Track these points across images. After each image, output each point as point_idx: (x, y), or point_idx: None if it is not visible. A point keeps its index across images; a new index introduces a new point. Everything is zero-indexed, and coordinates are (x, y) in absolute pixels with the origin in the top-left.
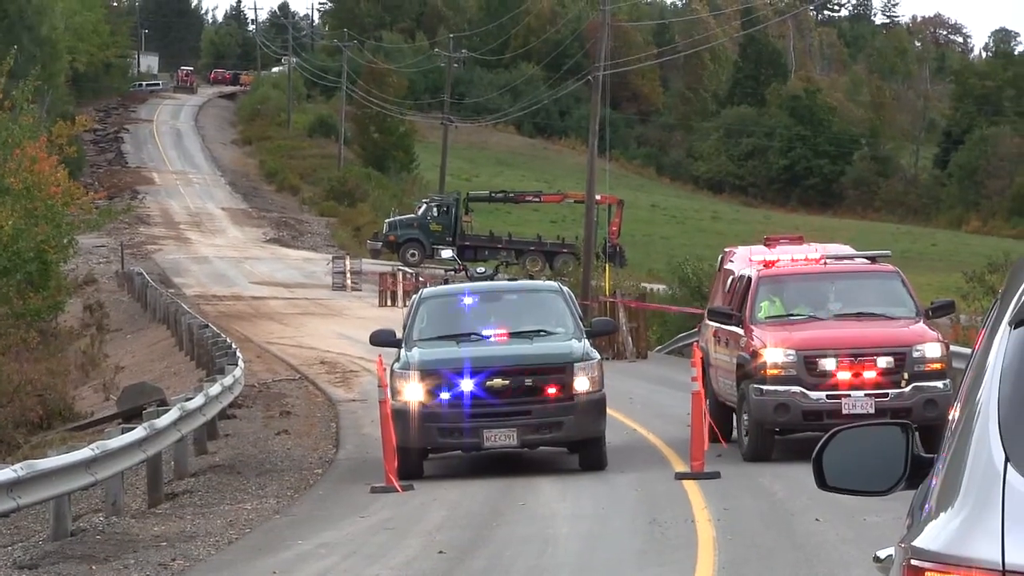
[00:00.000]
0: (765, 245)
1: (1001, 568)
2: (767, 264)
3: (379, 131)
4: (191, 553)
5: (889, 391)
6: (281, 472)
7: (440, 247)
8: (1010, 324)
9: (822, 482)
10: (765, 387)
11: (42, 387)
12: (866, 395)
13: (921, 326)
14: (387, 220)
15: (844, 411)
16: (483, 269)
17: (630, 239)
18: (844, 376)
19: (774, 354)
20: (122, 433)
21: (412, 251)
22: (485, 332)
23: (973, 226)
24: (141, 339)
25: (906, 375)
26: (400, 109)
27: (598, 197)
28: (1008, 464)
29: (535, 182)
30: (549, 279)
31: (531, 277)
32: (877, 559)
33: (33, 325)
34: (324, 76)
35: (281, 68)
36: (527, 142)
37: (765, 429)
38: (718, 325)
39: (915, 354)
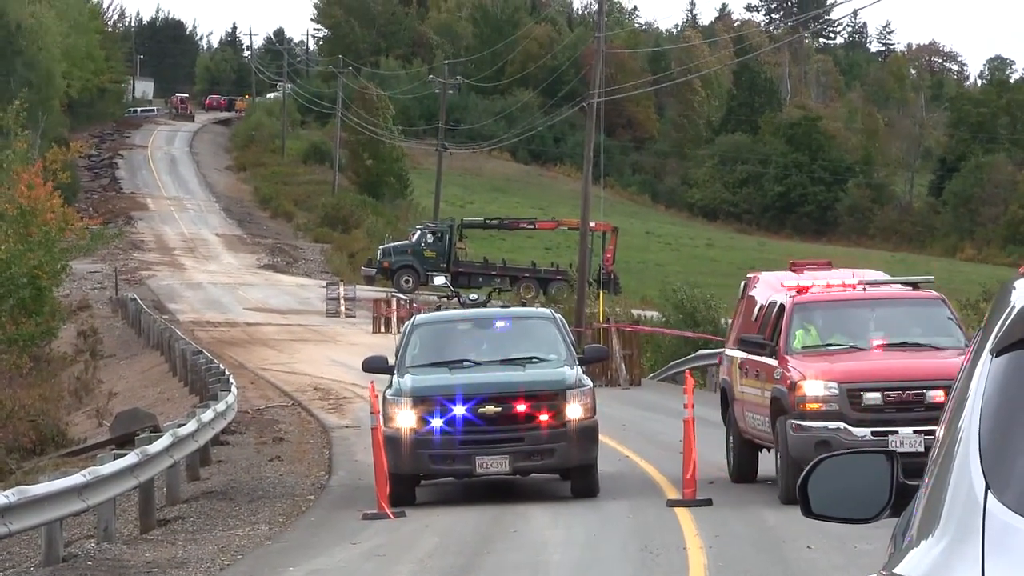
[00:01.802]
0: (791, 271)
1: None
2: (800, 290)
3: (372, 158)
4: None
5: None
6: (273, 498)
7: (434, 273)
8: (992, 352)
9: (807, 510)
10: (804, 423)
11: (35, 413)
12: (915, 432)
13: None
14: (381, 247)
15: (891, 448)
16: (476, 296)
17: (624, 266)
18: (891, 411)
19: (814, 387)
20: (114, 459)
21: (406, 277)
22: (478, 359)
23: (968, 254)
24: (135, 365)
25: None
26: (392, 135)
27: (592, 224)
28: (988, 492)
29: (530, 209)
30: (543, 306)
31: (524, 304)
32: None
33: (26, 350)
34: (319, 102)
35: (276, 94)
36: (522, 169)
37: (803, 469)
38: (746, 356)
39: None
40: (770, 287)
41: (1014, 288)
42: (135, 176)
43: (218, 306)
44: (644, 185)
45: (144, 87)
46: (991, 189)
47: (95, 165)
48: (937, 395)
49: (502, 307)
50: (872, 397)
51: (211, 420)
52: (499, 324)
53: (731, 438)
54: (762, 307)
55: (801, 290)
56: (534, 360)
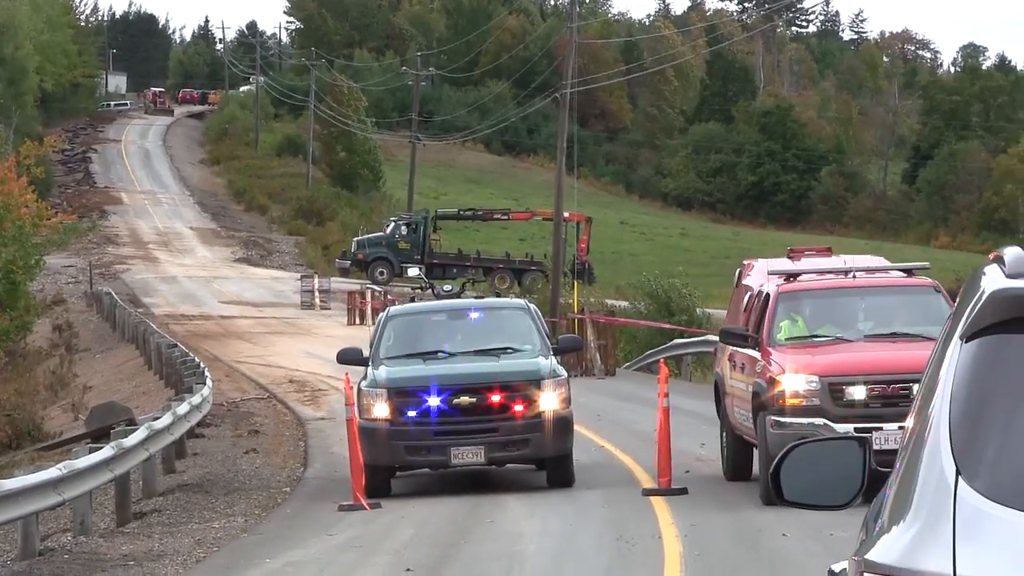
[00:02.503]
0: (788, 258)
1: None
2: (788, 278)
3: (346, 150)
4: (159, 572)
5: None
6: (249, 491)
7: (408, 265)
8: (961, 338)
9: (780, 496)
10: (783, 419)
11: (10, 407)
12: (900, 428)
13: None
14: (355, 239)
15: (875, 447)
16: (449, 287)
17: (599, 256)
18: (875, 406)
19: (794, 381)
20: (90, 453)
21: (380, 269)
22: (452, 350)
23: (942, 241)
24: (110, 359)
25: None
26: (365, 127)
27: (566, 214)
28: (959, 477)
29: (504, 200)
30: (518, 296)
31: (499, 295)
32: (832, 573)
33: (1, 345)
34: (292, 95)
35: (249, 87)
36: (495, 160)
37: None
38: (734, 348)
39: None
40: (764, 275)
41: (984, 274)
42: (109, 170)
43: (193, 299)
44: (618, 175)
45: (117, 81)
46: (965, 176)
47: (69, 160)
48: None
49: (476, 298)
50: (855, 391)
51: (186, 413)
52: (473, 315)
53: (723, 434)
54: (752, 296)
55: (788, 278)
56: (508, 351)
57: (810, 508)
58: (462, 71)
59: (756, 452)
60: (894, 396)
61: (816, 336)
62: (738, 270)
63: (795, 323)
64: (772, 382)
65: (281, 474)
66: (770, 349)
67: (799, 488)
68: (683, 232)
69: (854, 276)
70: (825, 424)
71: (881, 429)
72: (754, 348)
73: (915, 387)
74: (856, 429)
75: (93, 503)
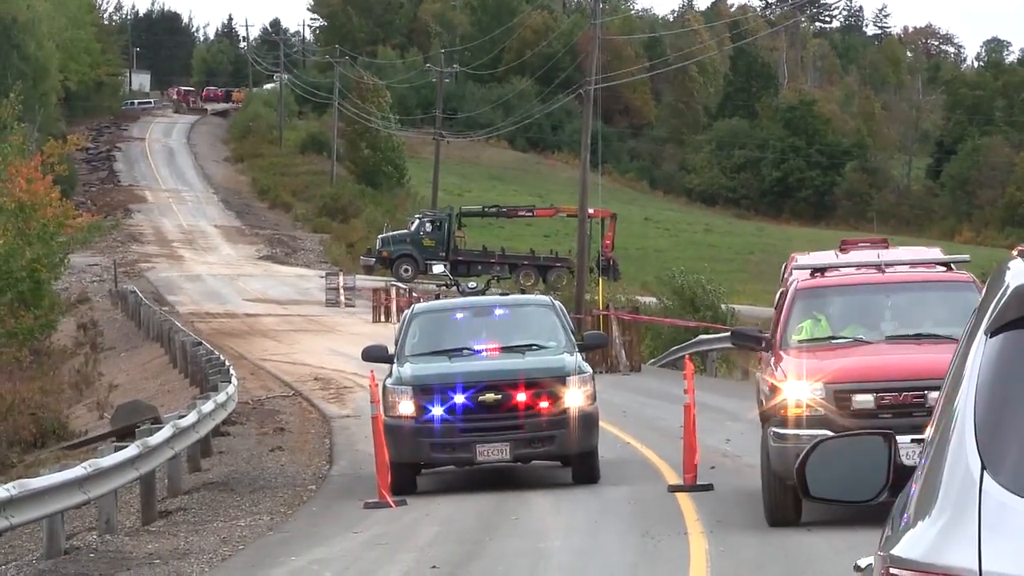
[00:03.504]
0: (841, 251)
1: (978, 575)
2: (812, 273)
3: (370, 147)
4: (184, 570)
5: None
6: (275, 489)
7: (433, 262)
8: (986, 333)
9: (806, 492)
10: (784, 431)
11: (35, 406)
12: (913, 440)
13: None
14: (380, 236)
15: None
16: (474, 284)
17: (623, 252)
18: (886, 416)
19: (796, 389)
20: (115, 451)
21: (405, 267)
22: (477, 347)
23: (966, 236)
24: (135, 357)
25: None
26: (389, 124)
27: (591, 211)
28: (984, 472)
29: (528, 196)
30: (543, 293)
31: (524, 291)
32: (858, 568)
33: (26, 344)
34: (316, 92)
35: (273, 85)
36: (519, 156)
37: (788, 486)
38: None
39: None
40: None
41: (1008, 268)
42: (133, 169)
43: (217, 297)
44: (642, 171)
45: (141, 80)
46: (988, 171)
47: (93, 158)
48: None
49: (501, 295)
50: (863, 400)
51: (212, 411)
52: (498, 312)
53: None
54: (781, 294)
55: (814, 273)
56: (534, 347)
57: (836, 504)
58: (486, 68)
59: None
60: (907, 405)
61: (836, 338)
62: (784, 264)
63: (818, 323)
64: (774, 390)
65: (306, 472)
66: (781, 352)
67: (825, 484)
68: (707, 228)
69: (883, 271)
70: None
71: None
72: (768, 351)
73: (932, 395)
74: None
75: (118, 502)
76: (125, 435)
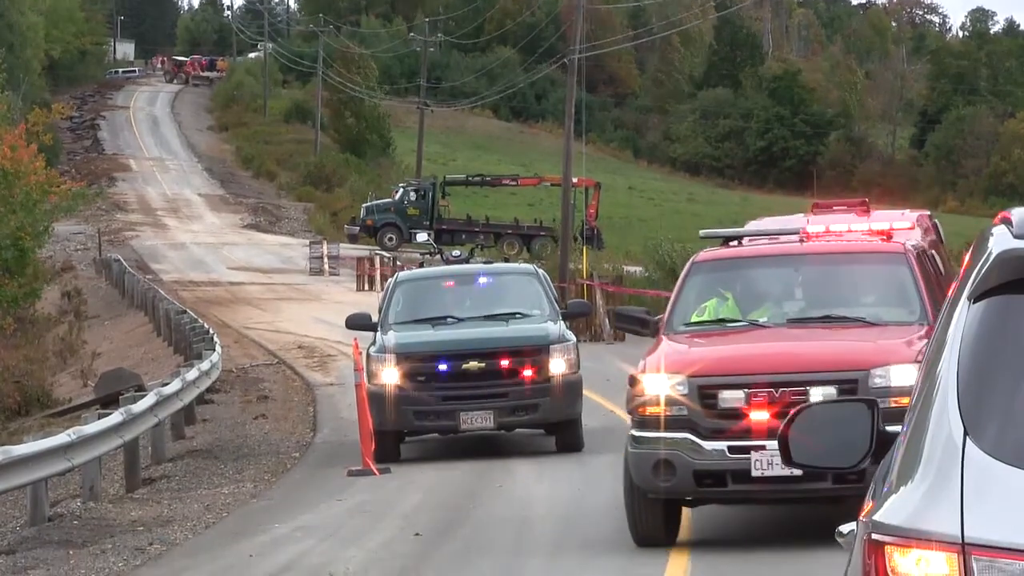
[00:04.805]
0: (812, 213)
1: (960, 541)
2: (724, 243)
3: (355, 116)
4: (168, 537)
5: None
6: (258, 456)
7: (417, 231)
8: (969, 298)
9: (788, 458)
10: (642, 434)
11: (20, 374)
12: None
13: (898, 340)
14: (364, 205)
15: (755, 472)
16: (458, 252)
17: (607, 222)
18: (759, 418)
19: (655, 383)
20: (99, 419)
21: (389, 235)
22: (461, 315)
23: (950, 206)
24: (119, 325)
25: None
26: (374, 94)
27: (575, 180)
28: (967, 437)
29: (512, 166)
30: (527, 262)
31: (507, 260)
32: (840, 534)
33: (10, 312)
34: (300, 62)
35: (257, 54)
36: (504, 126)
37: (651, 501)
38: None
39: (874, 382)
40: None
41: (991, 235)
42: (117, 137)
43: (201, 266)
44: (626, 140)
45: (125, 49)
46: (973, 141)
47: (77, 127)
48: (826, 394)
49: (485, 263)
50: (731, 397)
51: (196, 379)
52: (482, 280)
53: None
54: None
55: (725, 243)
56: (517, 316)
57: (818, 470)
58: (469, 37)
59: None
60: (784, 404)
61: (730, 321)
62: None
63: (724, 303)
64: (633, 383)
65: (290, 439)
66: (663, 338)
67: (807, 450)
68: (691, 197)
69: (802, 241)
70: (691, 441)
71: (763, 448)
72: (654, 336)
73: (816, 392)
74: (731, 448)
75: (102, 469)
76: (109, 403)
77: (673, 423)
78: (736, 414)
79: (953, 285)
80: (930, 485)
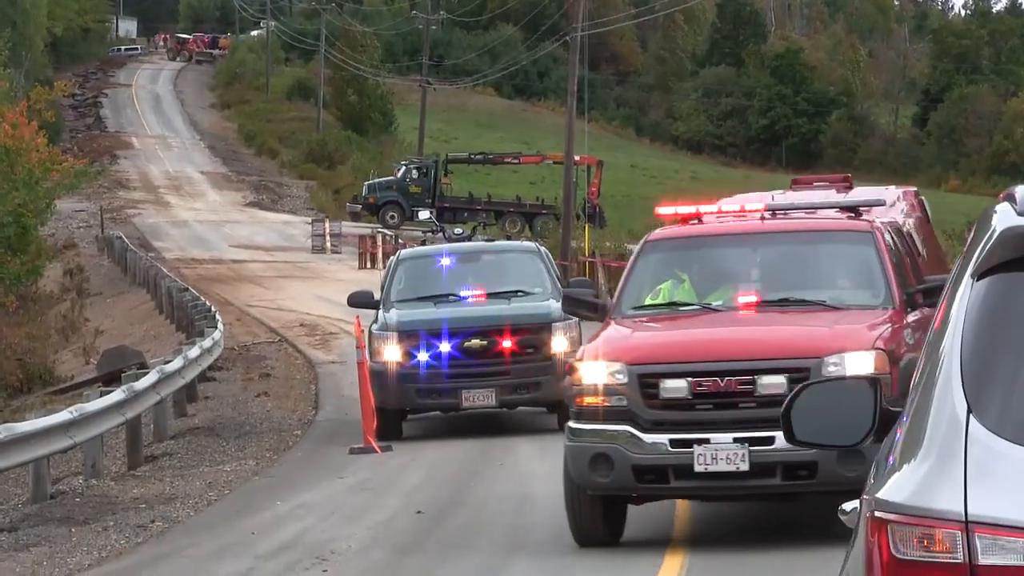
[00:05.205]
0: (792, 190)
1: (963, 519)
2: (684, 220)
3: (356, 94)
4: (170, 515)
5: (776, 433)
6: (260, 434)
7: (419, 209)
8: (972, 276)
9: (791, 436)
10: (580, 426)
11: (22, 351)
12: (737, 440)
13: (857, 325)
14: (366, 183)
15: (698, 467)
16: (460, 230)
17: (610, 200)
18: (703, 409)
19: (593, 371)
20: (101, 396)
21: (391, 213)
22: (463, 293)
23: (952, 185)
24: (121, 303)
25: None
26: (377, 71)
27: (577, 158)
28: (970, 415)
29: (514, 144)
30: (529, 240)
31: (509, 238)
32: (843, 512)
33: (12, 289)
34: (302, 39)
35: (259, 32)
36: (506, 104)
37: (592, 498)
38: None
39: (827, 371)
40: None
41: (995, 212)
42: (119, 115)
43: (204, 244)
44: (628, 119)
45: (127, 26)
46: (975, 120)
47: (79, 104)
48: (775, 384)
49: (487, 241)
50: (673, 387)
51: (198, 357)
52: (484, 258)
53: None
54: None
55: (685, 220)
56: (519, 294)
57: (821, 448)
58: (472, 15)
59: None
60: (730, 394)
61: (682, 305)
62: None
63: (680, 285)
64: (572, 371)
65: (292, 417)
66: (611, 322)
67: (810, 428)
68: (694, 175)
69: (763, 218)
70: (630, 434)
71: (708, 442)
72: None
73: (764, 381)
74: (673, 442)
75: (104, 446)
76: (111, 380)
77: (612, 414)
78: (679, 405)
79: (956, 263)
80: (933, 463)
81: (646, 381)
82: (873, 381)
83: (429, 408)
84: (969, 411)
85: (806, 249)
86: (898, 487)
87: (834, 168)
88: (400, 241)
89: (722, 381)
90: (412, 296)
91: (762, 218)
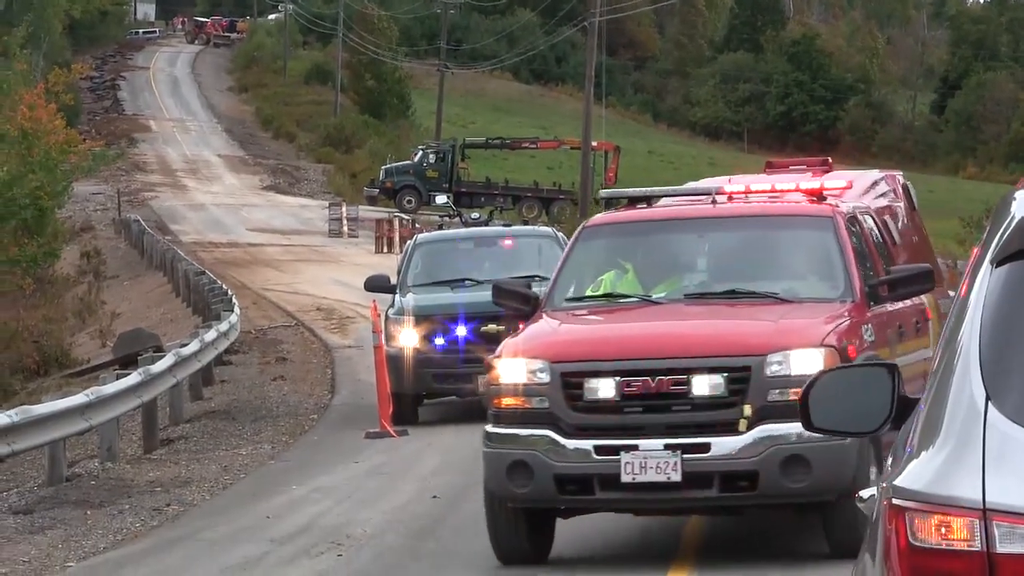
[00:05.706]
0: (765, 173)
1: (982, 506)
2: (630, 204)
3: (374, 78)
4: (186, 498)
5: (712, 439)
6: (276, 418)
7: (436, 193)
8: (992, 263)
9: (808, 423)
10: (497, 430)
11: (38, 334)
12: (668, 447)
13: (808, 320)
14: (384, 167)
15: (625, 477)
16: (477, 215)
17: (627, 185)
18: (632, 412)
19: (512, 369)
20: (117, 379)
21: (408, 198)
22: (479, 278)
23: (970, 172)
24: (138, 286)
25: (748, 410)
26: (395, 55)
27: (594, 143)
28: (989, 402)
29: (532, 129)
30: (546, 225)
31: (526, 223)
32: (860, 499)
33: (29, 272)
34: (320, 23)
35: (277, 15)
36: (524, 88)
37: (513, 510)
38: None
39: (770, 371)
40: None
41: (1014, 199)
42: (137, 98)
43: (220, 227)
44: (645, 104)
45: (146, 9)
46: (993, 107)
47: (97, 87)
48: (713, 384)
49: (504, 226)
50: (599, 387)
51: (214, 340)
52: (501, 243)
53: None
54: None
55: (631, 204)
56: (536, 279)
57: (839, 435)
58: None
59: None
60: (661, 395)
61: (621, 297)
62: None
63: (624, 275)
64: (489, 369)
65: (308, 401)
66: (542, 315)
67: (828, 415)
68: (711, 162)
69: (714, 202)
70: (551, 439)
71: (636, 449)
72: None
73: (698, 380)
74: (598, 448)
75: (120, 429)
76: (127, 363)
77: (532, 417)
78: (605, 407)
79: (975, 250)
80: (951, 450)
81: (569, 381)
82: (891, 368)
83: (445, 393)
84: (988, 398)
85: (760, 236)
86: (916, 474)
87: (852, 155)
88: (417, 225)
89: (653, 381)
90: (429, 280)
91: (713, 201)
